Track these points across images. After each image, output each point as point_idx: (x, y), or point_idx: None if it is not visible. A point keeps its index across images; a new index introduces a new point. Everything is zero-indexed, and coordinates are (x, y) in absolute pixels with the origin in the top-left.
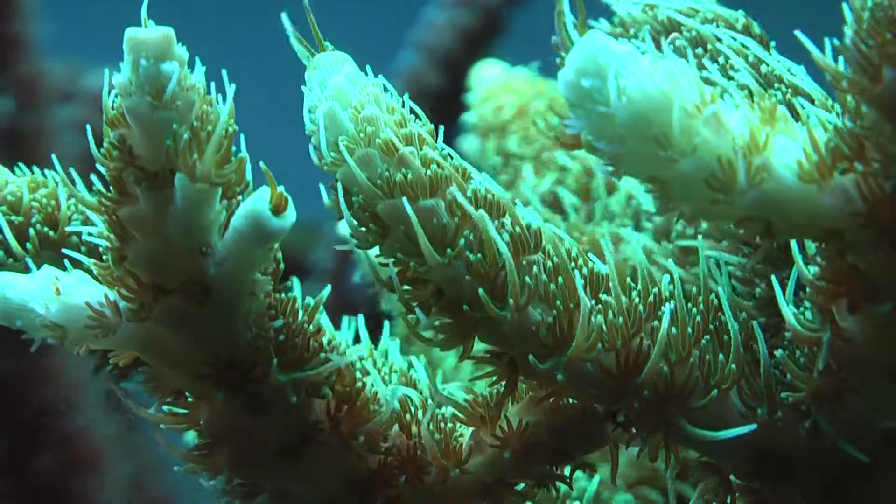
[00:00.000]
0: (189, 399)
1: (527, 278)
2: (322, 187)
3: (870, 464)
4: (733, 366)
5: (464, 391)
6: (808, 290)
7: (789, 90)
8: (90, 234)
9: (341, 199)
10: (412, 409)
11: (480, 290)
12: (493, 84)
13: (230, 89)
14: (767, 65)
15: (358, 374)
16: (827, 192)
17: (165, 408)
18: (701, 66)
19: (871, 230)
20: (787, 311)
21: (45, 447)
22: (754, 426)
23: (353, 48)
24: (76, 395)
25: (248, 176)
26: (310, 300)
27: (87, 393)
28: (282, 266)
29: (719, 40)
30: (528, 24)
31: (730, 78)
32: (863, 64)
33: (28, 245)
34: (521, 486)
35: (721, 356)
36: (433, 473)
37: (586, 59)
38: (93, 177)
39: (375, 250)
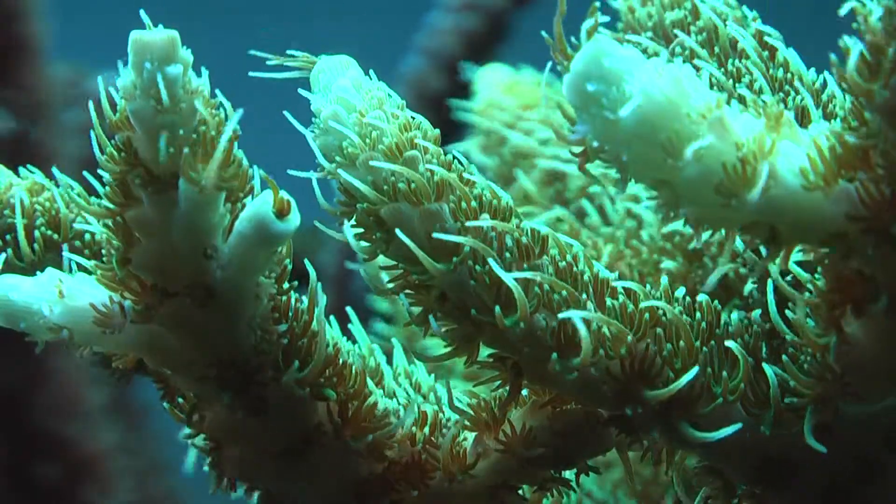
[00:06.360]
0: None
1: (536, 288)
2: (317, 192)
3: (872, 468)
4: (742, 385)
5: (467, 395)
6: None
7: (798, 95)
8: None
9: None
10: (416, 414)
11: (497, 310)
12: (497, 88)
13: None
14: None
15: (370, 384)
16: (832, 197)
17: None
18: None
19: (873, 235)
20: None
21: (46, 453)
22: (740, 425)
23: (359, 52)
24: (78, 399)
25: (256, 180)
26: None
27: (89, 397)
28: (289, 269)
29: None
30: (533, 27)
31: (739, 80)
32: (869, 70)
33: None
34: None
35: (725, 374)
36: (437, 478)
37: (591, 63)
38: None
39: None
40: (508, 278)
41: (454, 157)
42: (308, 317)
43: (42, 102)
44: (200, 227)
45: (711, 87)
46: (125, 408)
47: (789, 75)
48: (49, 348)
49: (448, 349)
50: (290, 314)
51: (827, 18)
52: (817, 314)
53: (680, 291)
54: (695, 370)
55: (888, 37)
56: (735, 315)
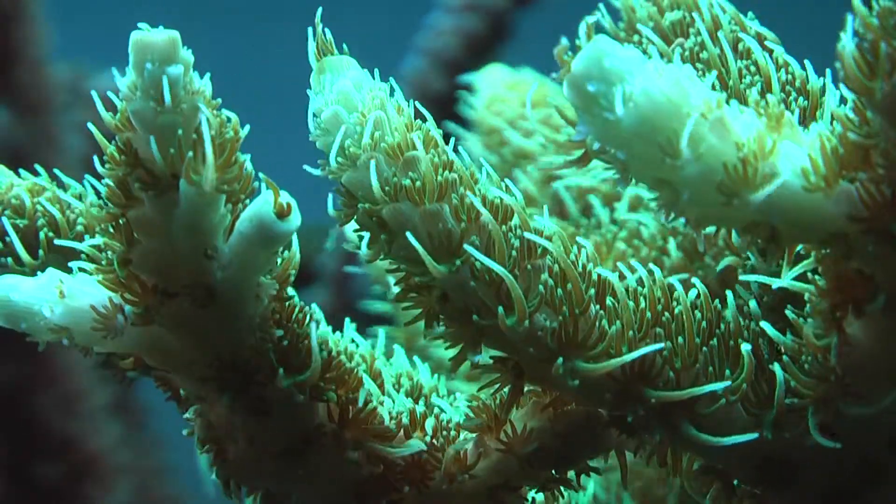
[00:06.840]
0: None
1: (540, 287)
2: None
3: (874, 470)
4: (744, 385)
5: (468, 397)
6: (807, 296)
7: (801, 96)
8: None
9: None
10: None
11: (500, 310)
12: (498, 88)
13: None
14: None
15: (368, 387)
16: (832, 198)
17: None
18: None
19: (874, 235)
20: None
21: (47, 452)
22: (756, 435)
23: (359, 53)
24: (80, 398)
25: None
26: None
27: (92, 396)
28: (293, 271)
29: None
30: (534, 27)
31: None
32: (870, 69)
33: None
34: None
35: (728, 373)
36: (437, 478)
37: (591, 63)
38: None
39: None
40: (504, 272)
41: (457, 157)
42: (309, 321)
43: (42, 102)
44: (201, 228)
45: (714, 87)
46: (126, 408)
47: (790, 77)
48: (51, 347)
49: (453, 353)
50: (292, 317)
51: (826, 18)
52: (818, 315)
53: (692, 294)
54: (725, 384)
55: (887, 35)
56: (730, 307)
